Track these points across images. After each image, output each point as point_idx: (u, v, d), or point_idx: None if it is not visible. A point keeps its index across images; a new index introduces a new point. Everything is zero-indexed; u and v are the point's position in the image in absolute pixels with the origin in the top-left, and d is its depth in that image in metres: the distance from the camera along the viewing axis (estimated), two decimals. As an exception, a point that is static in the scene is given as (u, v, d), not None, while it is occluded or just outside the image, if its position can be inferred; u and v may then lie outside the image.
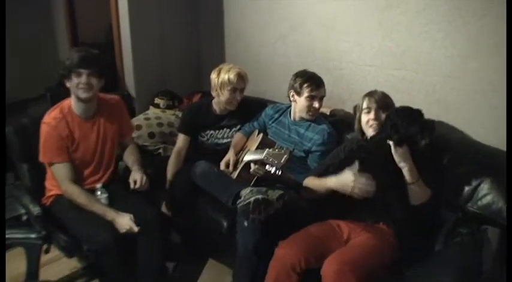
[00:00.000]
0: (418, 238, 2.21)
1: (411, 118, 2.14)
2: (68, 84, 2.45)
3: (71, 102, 2.52)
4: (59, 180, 2.47)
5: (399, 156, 2.12)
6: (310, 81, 2.67)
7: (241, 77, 2.87)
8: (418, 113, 2.18)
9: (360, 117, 2.48)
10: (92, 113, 2.56)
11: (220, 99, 2.92)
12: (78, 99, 2.47)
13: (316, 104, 2.67)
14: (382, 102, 2.42)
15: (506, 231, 2.00)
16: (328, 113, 2.96)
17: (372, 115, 2.40)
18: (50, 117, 2.47)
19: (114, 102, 2.70)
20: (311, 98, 2.66)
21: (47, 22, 4.71)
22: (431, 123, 2.16)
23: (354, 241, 2.18)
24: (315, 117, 2.72)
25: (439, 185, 2.27)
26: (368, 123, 2.42)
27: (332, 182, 2.26)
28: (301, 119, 2.75)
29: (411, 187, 2.15)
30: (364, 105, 2.44)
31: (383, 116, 2.37)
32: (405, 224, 2.20)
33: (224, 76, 2.85)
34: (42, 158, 2.48)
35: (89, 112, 2.55)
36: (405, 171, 2.13)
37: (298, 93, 2.69)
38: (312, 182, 2.42)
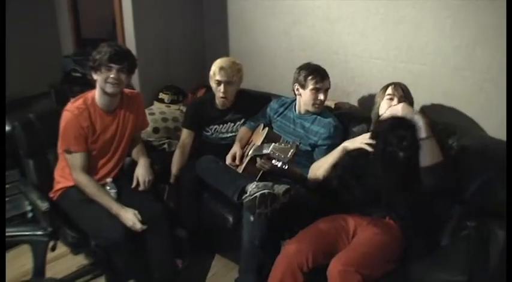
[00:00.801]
0: (424, 233, 2.20)
1: (393, 127, 2.13)
2: (95, 77, 2.46)
3: (95, 95, 2.53)
4: (71, 168, 2.49)
5: (404, 110, 2.13)
6: (315, 73, 2.65)
7: (222, 69, 2.83)
8: (401, 123, 2.15)
9: (379, 104, 2.46)
10: (114, 107, 2.58)
11: None
12: (104, 93, 2.48)
13: (321, 96, 2.65)
14: (406, 92, 2.42)
15: (506, 230, 1.99)
16: (332, 106, 2.94)
17: (395, 102, 2.38)
18: (73, 106, 2.48)
19: (133, 96, 2.72)
20: (316, 91, 2.64)
21: (49, 18, 4.69)
22: (411, 136, 2.11)
23: (359, 237, 2.16)
24: (321, 109, 2.71)
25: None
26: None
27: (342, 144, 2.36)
28: (307, 112, 2.73)
29: (424, 142, 2.11)
30: (389, 91, 2.42)
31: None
32: (411, 219, 2.19)
33: (212, 68, 2.87)
34: (59, 145, 2.50)
35: (112, 106, 2.56)
36: (417, 126, 2.12)
37: (303, 86, 2.67)
38: (317, 162, 2.48)
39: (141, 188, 2.58)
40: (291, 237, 2.23)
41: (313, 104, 2.67)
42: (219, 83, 2.85)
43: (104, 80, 2.42)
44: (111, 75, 2.41)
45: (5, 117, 2.64)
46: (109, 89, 2.44)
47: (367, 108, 2.74)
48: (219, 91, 2.87)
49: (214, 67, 2.86)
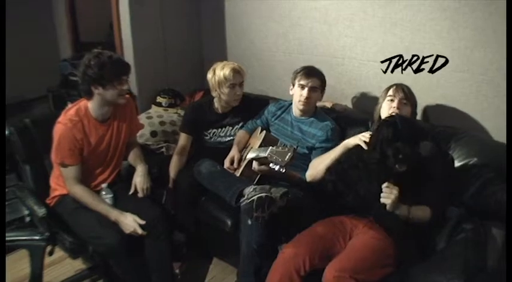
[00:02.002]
0: (417, 240, 2.19)
1: (392, 138, 2.08)
2: (99, 91, 2.39)
3: (88, 105, 2.49)
4: (65, 180, 2.46)
5: (391, 204, 2.05)
6: (303, 70, 2.68)
7: (237, 72, 2.85)
8: (402, 132, 2.09)
9: (381, 105, 2.48)
10: (108, 115, 2.56)
11: (221, 98, 2.90)
12: (107, 104, 2.46)
13: (304, 93, 2.64)
14: (408, 94, 2.42)
15: (506, 230, 1.98)
16: (329, 107, 2.94)
17: (395, 103, 2.39)
18: (66, 118, 2.43)
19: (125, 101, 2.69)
20: (301, 88, 2.65)
21: (48, 22, 4.70)
22: (407, 148, 2.05)
23: (355, 241, 2.14)
24: (308, 108, 2.70)
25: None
26: (389, 111, 2.40)
27: (343, 142, 2.37)
28: (303, 114, 2.74)
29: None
30: (390, 92, 2.44)
31: (405, 108, 2.39)
32: (402, 230, 2.17)
33: (220, 74, 2.83)
34: (54, 157, 2.46)
35: (107, 115, 2.54)
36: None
37: (293, 85, 2.71)
38: (319, 158, 2.48)
39: (139, 195, 2.55)
40: (287, 241, 2.22)
41: (298, 101, 2.68)
42: (233, 85, 2.85)
43: (116, 93, 2.41)
44: (125, 87, 2.42)
45: (5, 121, 2.63)
46: (122, 100, 2.46)
47: (364, 111, 2.74)
48: (235, 93, 2.87)
49: (226, 71, 2.83)
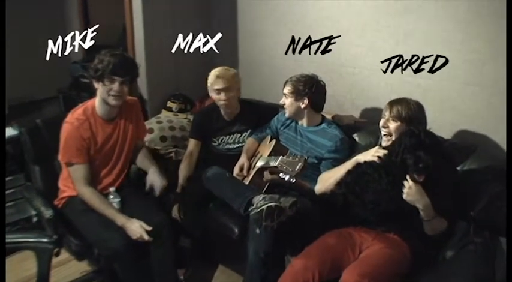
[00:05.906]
0: (429, 248, 2.19)
1: (414, 146, 2.07)
2: (96, 86, 2.42)
3: (95, 103, 2.50)
4: (74, 180, 2.46)
5: (412, 196, 2.07)
6: None
7: (218, 77, 2.85)
8: (425, 142, 2.07)
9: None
10: (114, 115, 2.56)
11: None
12: (106, 103, 2.45)
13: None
14: (399, 112, 2.29)
15: (506, 235, 1.97)
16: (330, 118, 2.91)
17: (382, 122, 2.36)
18: (73, 118, 2.45)
19: (132, 103, 2.69)
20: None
21: (59, 23, 4.72)
22: (429, 158, 2.04)
23: (369, 251, 2.14)
24: (290, 115, 2.74)
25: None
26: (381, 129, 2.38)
27: (354, 157, 2.31)
28: (311, 124, 2.73)
29: (426, 223, 2.11)
30: (384, 109, 2.39)
31: (393, 124, 2.30)
32: (416, 234, 2.17)
33: (208, 80, 2.88)
34: (61, 157, 2.47)
35: (112, 114, 2.55)
36: (420, 210, 2.08)
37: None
38: (328, 172, 2.46)
39: (156, 194, 2.54)
40: (292, 251, 2.21)
41: None
42: (218, 91, 2.86)
43: (106, 91, 2.39)
44: (114, 88, 2.37)
45: (5, 122, 2.63)
46: (111, 101, 2.41)
47: (375, 121, 2.72)
48: (221, 99, 2.87)
49: (210, 78, 2.88)
